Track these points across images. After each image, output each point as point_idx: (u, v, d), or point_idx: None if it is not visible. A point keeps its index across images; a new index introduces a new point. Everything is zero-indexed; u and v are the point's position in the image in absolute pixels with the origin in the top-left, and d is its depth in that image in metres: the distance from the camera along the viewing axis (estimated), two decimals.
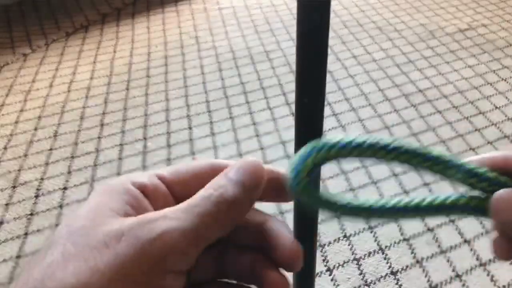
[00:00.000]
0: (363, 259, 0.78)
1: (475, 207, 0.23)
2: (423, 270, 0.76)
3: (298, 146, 0.28)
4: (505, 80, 1.24)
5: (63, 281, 0.17)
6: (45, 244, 0.19)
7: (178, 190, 0.23)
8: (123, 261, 0.17)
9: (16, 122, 1.17)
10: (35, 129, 1.14)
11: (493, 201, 0.22)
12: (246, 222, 0.23)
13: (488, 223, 0.83)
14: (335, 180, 0.93)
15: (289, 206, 0.88)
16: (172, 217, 0.19)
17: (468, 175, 0.23)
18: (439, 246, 0.79)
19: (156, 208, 0.21)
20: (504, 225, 0.23)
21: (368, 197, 0.95)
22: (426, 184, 0.92)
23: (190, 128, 1.12)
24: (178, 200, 0.22)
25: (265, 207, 0.22)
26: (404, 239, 0.81)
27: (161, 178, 0.22)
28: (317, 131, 0.26)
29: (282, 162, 0.98)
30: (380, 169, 0.95)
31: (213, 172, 0.23)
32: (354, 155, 0.22)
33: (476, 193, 0.23)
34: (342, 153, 0.22)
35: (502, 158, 0.24)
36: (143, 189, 0.21)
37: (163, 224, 0.18)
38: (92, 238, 0.18)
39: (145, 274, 0.18)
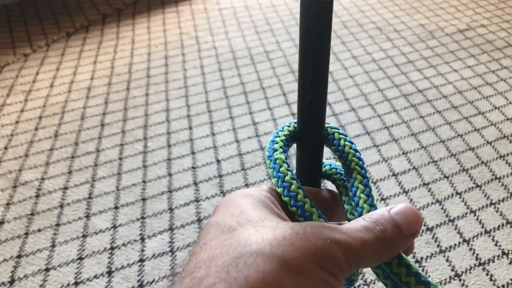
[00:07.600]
0: None
1: None
2: (423, 270, 0.76)
3: (298, 145, 0.28)
4: (504, 81, 1.25)
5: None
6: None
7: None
8: (296, 250, 0.19)
9: (17, 122, 1.17)
10: (36, 129, 1.15)
11: None
12: None
13: (487, 222, 0.84)
14: None
15: None
16: (344, 232, 0.21)
17: None
18: (438, 245, 0.80)
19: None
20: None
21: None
22: (425, 184, 0.92)
23: (190, 128, 1.12)
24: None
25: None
26: None
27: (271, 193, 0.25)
28: (319, 128, 0.27)
29: None
30: (379, 169, 0.96)
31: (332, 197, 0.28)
32: None
33: None
34: None
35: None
36: (270, 197, 0.24)
37: (337, 235, 0.21)
38: (271, 228, 0.21)
39: (308, 265, 0.19)
